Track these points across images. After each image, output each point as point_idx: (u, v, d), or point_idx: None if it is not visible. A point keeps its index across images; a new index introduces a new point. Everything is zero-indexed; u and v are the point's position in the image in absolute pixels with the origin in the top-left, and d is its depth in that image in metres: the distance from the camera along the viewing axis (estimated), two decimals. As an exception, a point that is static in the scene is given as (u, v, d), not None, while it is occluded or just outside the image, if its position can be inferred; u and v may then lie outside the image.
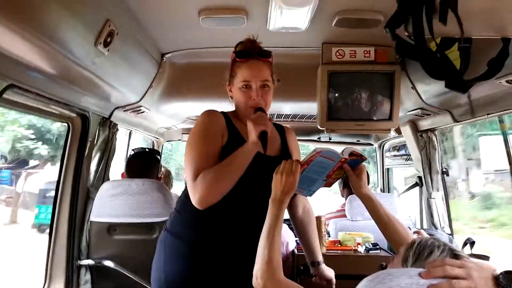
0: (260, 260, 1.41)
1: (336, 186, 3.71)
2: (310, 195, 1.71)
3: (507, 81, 1.79)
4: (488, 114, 2.28)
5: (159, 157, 2.95)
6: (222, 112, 1.76)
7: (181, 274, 1.70)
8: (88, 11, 1.56)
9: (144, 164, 2.66)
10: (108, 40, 1.72)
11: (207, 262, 1.70)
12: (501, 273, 0.94)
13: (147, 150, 2.86)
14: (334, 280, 1.96)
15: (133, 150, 2.86)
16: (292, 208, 1.92)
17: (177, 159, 10.10)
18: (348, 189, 3.48)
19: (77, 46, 1.63)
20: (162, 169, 3.48)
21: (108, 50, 1.77)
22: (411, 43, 1.32)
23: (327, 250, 2.62)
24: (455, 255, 1.09)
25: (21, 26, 1.35)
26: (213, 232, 1.70)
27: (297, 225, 1.95)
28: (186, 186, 1.71)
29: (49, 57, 1.59)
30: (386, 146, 4.32)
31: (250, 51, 1.72)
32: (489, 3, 1.24)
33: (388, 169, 4.44)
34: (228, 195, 1.59)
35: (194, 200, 1.58)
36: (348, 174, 1.62)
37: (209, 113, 1.73)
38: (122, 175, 2.64)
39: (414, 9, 1.23)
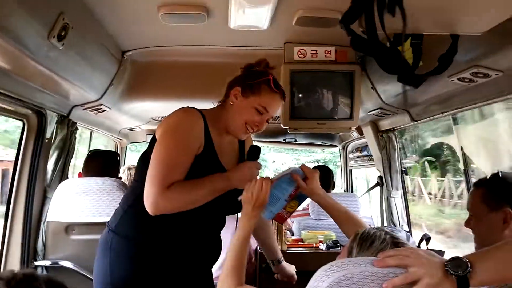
0: (230, 268, 1.45)
1: None
2: (269, 217, 1.68)
3: (458, 79, 1.86)
4: (442, 113, 2.37)
5: (118, 158, 2.92)
6: (199, 112, 1.68)
7: (128, 277, 1.63)
8: (40, 3, 1.51)
9: (103, 164, 2.61)
10: (62, 34, 1.67)
11: (156, 263, 1.63)
12: (449, 260, 0.98)
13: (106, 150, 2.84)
14: (295, 277, 1.98)
15: (90, 151, 2.83)
16: None
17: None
18: None
19: (29, 38, 1.57)
20: (128, 168, 3.42)
21: (63, 45, 1.72)
22: (365, 38, 1.35)
23: (288, 247, 2.64)
24: (396, 243, 1.14)
25: None
26: (163, 233, 1.64)
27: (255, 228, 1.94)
28: (137, 185, 1.65)
29: (1, 50, 1.53)
30: (349, 148, 4.40)
31: (282, 89, 1.72)
32: (438, 0, 1.29)
33: (351, 170, 4.53)
34: None
35: (150, 206, 1.52)
36: (300, 185, 1.61)
37: (189, 113, 1.65)
38: (79, 174, 2.58)
39: (366, 5, 1.27)
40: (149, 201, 1.52)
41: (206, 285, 1.82)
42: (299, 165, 1.68)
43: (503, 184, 1.54)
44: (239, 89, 1.69)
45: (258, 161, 1.70)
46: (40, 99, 2.14)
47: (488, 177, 1.62)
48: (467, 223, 1.63)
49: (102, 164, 2.64)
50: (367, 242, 1.17)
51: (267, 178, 1.53)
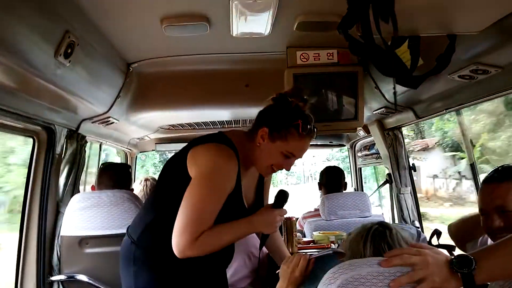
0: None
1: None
2: None
3: (459, 76, 1.87)
4: (446, 109, 2.37)
5: (130, 170, 2.95)
6: (234, 149, 1.62)
7: (152, 284, 1.70)
8: (46, 22, 1.55)
9: (115, 176, 2.65)
10: (69, 51, 1.71)
11: (176, 270, 1.68)
12: (454, 258, 0.99)
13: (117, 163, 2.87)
14: None
15: (102, 164, 2.86)
16: None
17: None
18: (325, 188, 3.54)
19: (36, 58, 1.61)
20: (145, 179, 3.43)
21: (70, 62, 1.76)
22: (363, 43, 1.37)
23: (299, 249, 2.65)
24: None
25: None
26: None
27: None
28: (159, 201, 1.70)
29: (7, 70, 1.57)
30: (357, 146, 4.40)
31: (312, 129, 1.67)
32: (433, 1, 1.30)
33: (360, 168, 4.53)
34: None
35: (180, 253, 1.52)
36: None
37: (228, 158, 1.58)
38: (92, 187, 2.62)
39: (362, 11, 1.29)
40: (176, 249, 1.51)
41: (221, 285, 1.89)
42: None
43: None
44: (266, 130, 1.64)
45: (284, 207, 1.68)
46: (49, 115, 2.18)
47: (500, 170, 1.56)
48: (503, 221, 1.48)
49: (114, 176, 2.67)
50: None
51: (305, 255, 1.49)
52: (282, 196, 1.67)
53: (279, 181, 26.61)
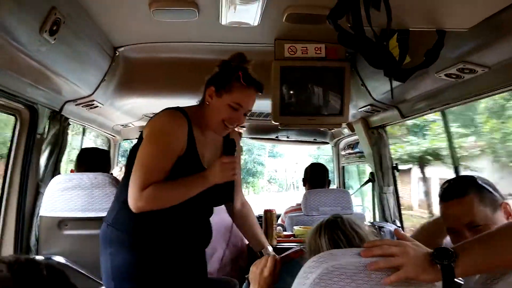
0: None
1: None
2: None
3: (445, 75, 1.89)
4: (431, 109, 2.40)
5: (109, 155, 2.95)
6: (183, 113, 1.72)
7: (128, 266, 1.71)
8: None
9: (95, 159, 2.64)
10: (54, 28, 1.68)
11: (152, 251, 1.71)
12: (435, 250, 0.99)
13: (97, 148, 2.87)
14: None
15: (82, 149, 2.85)
16: (229, 205, 1.98)
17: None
18: (309, 184, 3.56)
19: (21, 33, 1.58)
20: (124, 166, 3.42)
21: (55, 39, 1.74)
22: (352, 34, 1.38)
23: (279, 242, 2.67)
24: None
25: None
26: (156, 223, 1.72)
27: (237, 218, 1.99)
28: (127, 182, 1.69)
29: None
30: (341, 145, 4.43)
31: (256, 82, 1.76)
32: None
33: (343, 166, 4.56)
34: None
35: (133, 206, 1.62)
36: None
37: (173, 117, 1.70)
38: (71, 171, 2.60)
39: (353, 1, 1.29)
40: (130, 201, 1.62)
41: (199, 266, 1.91)
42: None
43: (483, 182, 1.46)
44: (213, 88, 1.74)
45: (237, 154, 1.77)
46: (32, 94, 2.15)
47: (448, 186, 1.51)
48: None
49: (93, 161, 2.67)
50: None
51: (273, 256, 1.49)
52: (229, 145, 1.74)
53: (260, 187, 26.33)
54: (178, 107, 1.77)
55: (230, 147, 1.74)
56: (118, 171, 3.33)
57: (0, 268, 0.60)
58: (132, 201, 1.61)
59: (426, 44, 1.69)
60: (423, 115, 2.66)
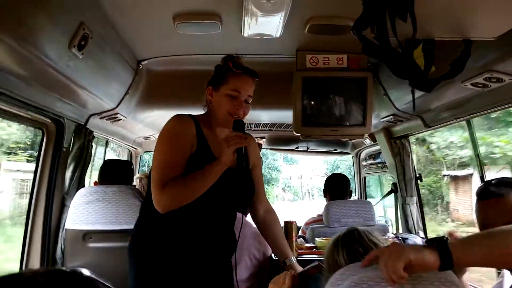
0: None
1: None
2: None
3: (471, 84, 1.87)
4: (456, 118, 2.36)
5: (132, 167, 2.97)
6: (191, 116, 1.79)
7: (152, 276, 1.72)
8: (62, 13, 1.56)
9: (118, 172, 2.67)
10: (82, 43, 1.73)
11: (177, 261, 1.72)
12: (426, 241, 1.04)
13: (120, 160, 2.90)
14: None
15: (105, 160, 2.88)
16: (253, 209, 2.00)
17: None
18: (330, 195, 3.53)
19: (51, 48, 1.63)
20: (139, 178, 3.46)
21: (83, 54, 1.78)
22: (377, 44, 1.37)
23: (300, 254, 2.64)
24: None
25: None
26: (179, 232, 1.73)
27: (261, 226, 2.01)
28: (149, 193, 1.73)
29: (22, 59, 1.58)
30: (363, 155, 4.39)
31: (247, 68, 1.81)
32: (449, 5, 1.30)
33: (364, 177, 4.51)
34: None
35: (157, 207, 1.66)
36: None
37: (179, 119, 1.78)
38: (95, 183, 2.63)
39: (378, 12, 1.29)
40: (154, 203, 1.66)
41: (225, 276, 1.89)
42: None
43: None
44: (210, 87, 1.82)
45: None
46: (59, 108, 2.19)
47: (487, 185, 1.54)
48: None
49: (117, 173, 2.70)
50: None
51: (291, 273, 1.52)
52: (238, 125, 1.74)
53: (275, 196, 25.95)
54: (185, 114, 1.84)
55: (239, 126, 1.74)
56: (134, 182, 3.36)
57: (35, 277, 0.61)
58: (156, 202, 1.64)
59: (451, 53, 1.67)
60: (447, 125, 2.62)
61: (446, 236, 1.01)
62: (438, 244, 0.98)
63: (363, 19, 1.36)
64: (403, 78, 1.44)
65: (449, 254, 0.97)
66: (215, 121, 1.81)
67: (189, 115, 1.81)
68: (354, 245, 1.28)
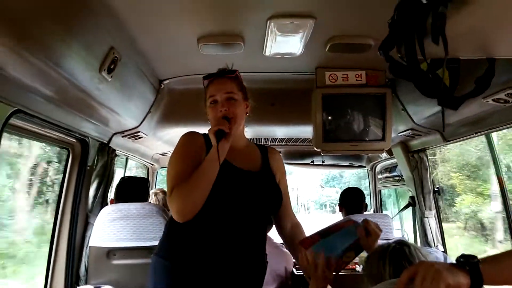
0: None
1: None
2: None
3: (493, 100, 1.88)
4: (476, 133, 2.37)
5: (148, 184, 3.00)
6: (203, 134, 1.81)
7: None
8: (93, 38, 1.62)
9: (135, 189, 2.69)
10: (112, 66, 1.78)
11: (196, 276, 1.67)
12: (459, 257, 1.03)
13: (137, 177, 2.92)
14: None
15: (122, 178, 2.91)
16: (280, 224, 1.94)
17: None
18: (345, 209, 3.52)
19: (82, 72, 1.68)
20: (154, 194, 3.48)
21: (112, 77, 1.83)
22: (403, 64, 1.39)
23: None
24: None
25: (28, 51, 1.39)
26: (199, 247, 1.68)
27: (288, 241, 1.94)
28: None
29: (54, 82, 1.63)
30: (378, 168, 4.39)
31: (215, 73, 1.85)
32: (474, 25, 1.32)
33: (380, 190, 4.51)
34: (209, 210, 1.63)
35: (173, 214, 1.66)
36: (361, 240, 1.64)
37: (188, 134, 1.81)
38: (111, 201, 2.64)
39: (406, 33, 1.32)
40: (171, 211, 1.66)
41: None
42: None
43: None
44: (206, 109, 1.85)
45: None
46: (84, 128, 2.24)
47: None
48: None
49: (133, 190, 2.72)
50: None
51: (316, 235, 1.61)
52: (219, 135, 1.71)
53: None
54: None
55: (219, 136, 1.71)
56: (151, 197, 3.39)
57: None
58: (171, 209, 1.65)
59: (474, 70, 1.69)
60: (466, 139, 2.62)
61: (476, 257, 1.01)
62: (470, 267, 0.98)
63: (390, 40, 1.38)
64: (431, 97, 1.46)
65: (480, 276, 0.97)
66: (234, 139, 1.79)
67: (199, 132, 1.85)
68: (403, 262, 1.25)
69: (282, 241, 2.04)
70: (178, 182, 1.65)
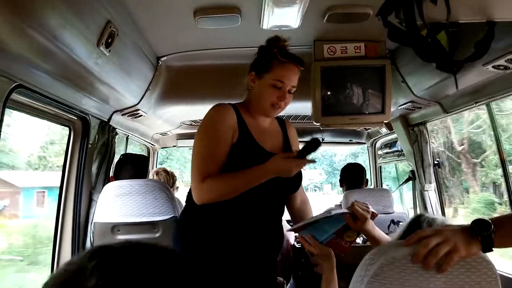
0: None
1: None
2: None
3: (493, 67, 1.87)
4: (476, 102, 2.37)
5: (147, 162, 3.02)
6: (232, 105, 1.75)
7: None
8: (90, 11, 1.61)
9: (134, 167, 2.71)
10: (109, 41, 1.77)
11: (217, 253, 1.69)
12: (473, 222, 1.00)
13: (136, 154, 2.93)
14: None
15: (121, 155, 2.92)
16: (290, 200, 1.94)
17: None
18: (346, 185, 3.55)
19: (80, 46, 1.67)
20: (156, 173, 3.49)
21: (109, 51, 1.82)
22: (403, 29, 1.39)
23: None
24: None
25: (26, 23, 1.37)
26: (221, 221, 1.70)
27: (296, 215, 1.96)
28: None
29: (53, 57, 1.62)
30: (378, 144, 4.40)
31: (291, 55, 1.75)
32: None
33: (380, 166, 4.53)
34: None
35: (196, 199, 1.66)
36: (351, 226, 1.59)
37: (221, 109, 1.72)
38: (111, 178, 2.66)
39: (404, -4, 1.31)
40: (193, 195, 1.67)
41: (268, 275, 1.84)
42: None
43: None
44: (253, 73, 1.76)
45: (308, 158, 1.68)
46: (84, 105, 2.24)
47: None
48: None
49: (133, 167, 2.74)
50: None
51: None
52: (312, 145, 1.64)
53: None
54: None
55: (310, 149, 1.65)
56: (150, 177, 3.40)
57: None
58: (195, 194, 1.64)
59: (475, 35, 1.69)
60: (466, 109, 2.63)
61: (490, 221, 0.98)
62: (482, 238, 0.97)
63: (388, 5, 1.38)
64: (429, 62, 1.46)
65: (492, 245, 0.97)
66: (256, 109, 1.77)
67: (230, 103, 1.76)
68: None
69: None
70: (211, 167, 1.62)
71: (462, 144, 7.38)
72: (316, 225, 1.58)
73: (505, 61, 1.79)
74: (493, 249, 0.97)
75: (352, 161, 4.01)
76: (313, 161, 1.70)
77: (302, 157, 1.65)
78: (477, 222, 0.99)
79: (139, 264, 0.52)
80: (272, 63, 1.72)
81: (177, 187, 3.67)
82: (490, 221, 0.98)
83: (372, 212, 1.62)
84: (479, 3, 1.39)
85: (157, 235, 2.35)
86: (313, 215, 1.97)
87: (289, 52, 1.75)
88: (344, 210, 1.66)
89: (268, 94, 1.71)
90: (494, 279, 0.93)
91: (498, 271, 0.95)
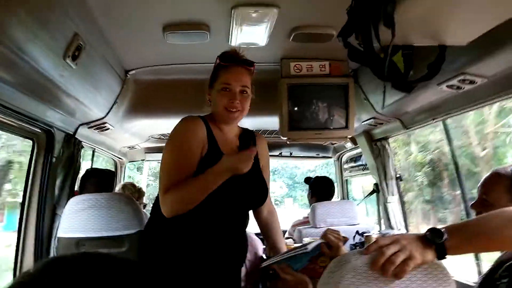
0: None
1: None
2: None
3: (447, 86, 1.99)
4: (433, 119, 2.49)
5: (113, 176, 2.99)
6: (201, 117, 1.77)
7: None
8: (56, 23, 1.60)
9: (99, 181, 2.69)
10: (76, 53, 1.77)
11: (180, 264, 1.70)
12: (427, 232, 1.05)
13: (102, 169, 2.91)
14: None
15: (87, 170, 2.89)
16: (257, 210, 1.98)
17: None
18: (316, 197, 3.62)
19: (46, 58, 1.66)
20: (122, 187, 3.47)
21: (76, 64, 1.82)
22: (361, 50, 1.47)
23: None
24: None
25: None
26: (189, 238, 1.71)
27: (263, 226, 2.00)
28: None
29: (17, 69, 1.60)
30: (344, 158, 4.51)
31: (234, 57, 1.78)
32: (426, 14, 1.41)
33: (346, 179, 4.63)
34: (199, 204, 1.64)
35: (164, 212, 1.65)
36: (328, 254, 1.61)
37: (190, 121, 1.73)
38: (75, 192, 2.62)
39: (363, 21, 1.39)
40: (162, 208, 1.65)
41: (232, 286, 1.85)
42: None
43: None
44: (207, 88, 1.82)
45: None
46: (49, 117, 2.21)
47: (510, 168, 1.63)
48: (477, 205, 1.66)
49: (98, 182, 2.71)
50: None
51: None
52: (248, 137, 1.83)
53: None
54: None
55: (249, 141, 1.79)
56: (117, 191, 3.38)
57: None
58: (162, 208, 1.63)
59: (428, 57, 1.79)
60: (425, 125, 2.75)
61: (442, 230, 1.02)
62: (436, 245, 1.01)
63: (348, 27, 1.46)
64: (385, 81, 1.55)
65: (445, 253, 1.01)
66: (217, 119, 1.78)
67: (199, 116, 1.78)
68: None
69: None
70: (176, 179, 1.62)
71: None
72: (291, 258, 1.60)
73: (458, 81, 1.91)
74: (446, 256, 1.02)
75: (312, 174, 4.11)
76: (253, 145, 1.80)
77: (246, 147, 1.73)
78: (432, 231, 1.03)
79: (93, 275, 0.53)
80: (219, 71, 1.77)
81: (145, 204, 3.65)
82: (442, 230, 1.03)
83: (343, 236, 1.68)
84: (432, 28, 1.48)
85: (123, 249, 2.31)
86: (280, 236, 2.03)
87: (233, 56, 1.78)
88: (319, 241, 1.69)
89: (219, 99, 1.74)
90: (450, 284, 0.99)
91: (452, 278, 1.01)
